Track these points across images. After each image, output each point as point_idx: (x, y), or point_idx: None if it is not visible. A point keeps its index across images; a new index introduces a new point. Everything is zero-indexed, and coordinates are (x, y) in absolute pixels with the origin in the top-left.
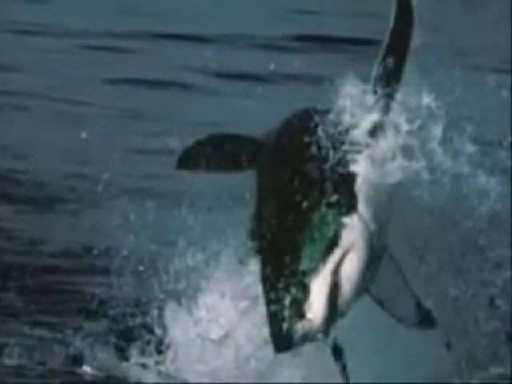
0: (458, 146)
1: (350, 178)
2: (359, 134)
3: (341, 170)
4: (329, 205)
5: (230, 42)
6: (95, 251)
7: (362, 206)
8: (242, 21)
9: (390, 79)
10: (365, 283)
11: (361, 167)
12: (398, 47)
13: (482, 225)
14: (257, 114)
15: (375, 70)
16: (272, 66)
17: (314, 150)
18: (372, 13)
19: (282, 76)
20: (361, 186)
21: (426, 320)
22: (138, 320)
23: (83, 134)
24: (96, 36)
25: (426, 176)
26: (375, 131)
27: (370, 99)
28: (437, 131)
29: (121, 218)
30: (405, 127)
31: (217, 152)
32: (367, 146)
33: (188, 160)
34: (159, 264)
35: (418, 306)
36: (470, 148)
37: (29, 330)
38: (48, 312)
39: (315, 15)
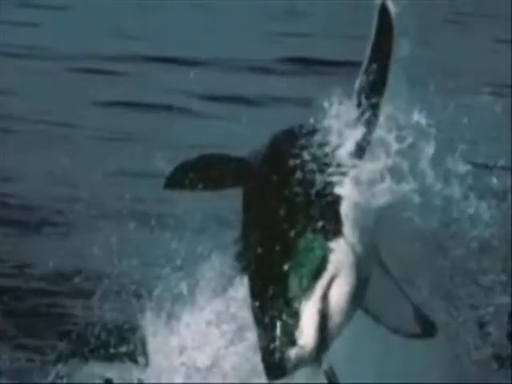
0: (450, 167)
1: (336, 202)
2: (344, 152)
3: (326, 192)
4: (314, 229)
5: (218, 64)
6: (83, 274)
7: (347, 230)
8: (229, 44)
9: (373, 93)
10: (354, 306)
11: (346, 189)
12: (380, 61)
13: (473, 249)
14: (245, 137)
15: (357, 85)
16: (260, 89)
17: (299, 172)
18: (360, 36)
19: (270, 98)
20: (346, 209)
21: (426, 328)
22: (122, 347)
23: (71, 157)
24: (85, 59)
25: (415, 198)
26: (361, 149)
27: (354, 113)
28: (428, 151)
29: (109, 241)
30: (394, 146)
31: (204, 171)
32: (353, 166)
33: (176, 180)
34: (144, 289)
35: (418, 315)
36: (462, 169)
37: (16, 352)
38: (36, 335)
39: (303, 38)
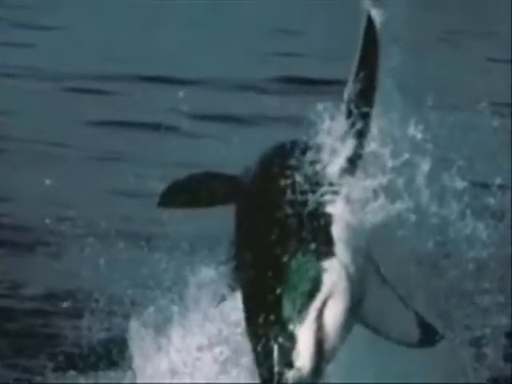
0: (446, 184)
1: (327, 222)
2: (335, 169)
3: (318, 212)
4: (306, 251)
5: (209, 83)
6: (75, 295)
7: (340, 249)
8: (221, 63)
9: (363, 103)
10: (349, 326)
11: (338, 208)
12: (367, 71)
13: (469, 270)
14: (236, 156)
15: (346, 96)
16: (251, 108)
17: (289, 192)
18: (352, 55)
19: (262, 117)
20: (338, 229)
21: (430, 336)
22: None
23: (64, 177)
24: (77, 79)
25: (411, 217)
26: (352, 164)
27: (343, 126)
28: (423, 167)
29: (100, 261)
30: (389, 163)
31: (196, 189)
32: (344, 184)
33: (168, 198)
34: (135, 309)
35: (421, 323)
36: (459, 186)
37: (8, 372)
38: (28, 355)
39: (295, 57)
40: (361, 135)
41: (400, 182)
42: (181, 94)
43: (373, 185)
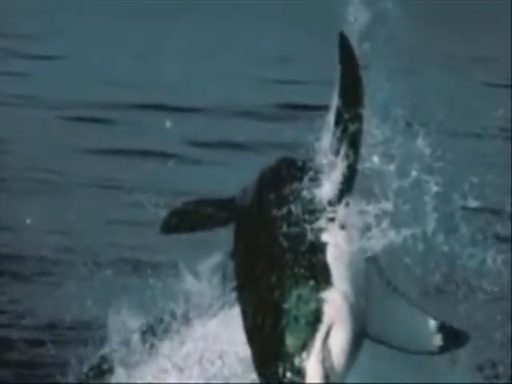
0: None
1: (323, 250)
2: (326, 193)
3: (313, 242)
4: (304, 283)
5: (209, 111)
6: (78, 324)
7: (338, 277)
8: (221, 91)
9: (350, 119)
10: (355, 352)
11: (333, 235)
12: (351, 99)
13: (479, 301)
14: (236, 182)
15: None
16: (251, 134)
17: (284, 223)
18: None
19: (262, 144)
20: (335, 256)
21: (456, 339)
22: None
23: (63, 206)
24: (76, 107)
25: (416, 244)
26: (344, 187)
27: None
28: (427, 193)
29: (103, 289)
30: (391, 185)
31: (196, 213)
32: (338, 209)
33: (170, 224)
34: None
35: (442, 328)
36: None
37: None
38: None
39: (293, 84)
40: (350, 156)
41: (404, 207)
42: (168, 123)
43: (373, 210)
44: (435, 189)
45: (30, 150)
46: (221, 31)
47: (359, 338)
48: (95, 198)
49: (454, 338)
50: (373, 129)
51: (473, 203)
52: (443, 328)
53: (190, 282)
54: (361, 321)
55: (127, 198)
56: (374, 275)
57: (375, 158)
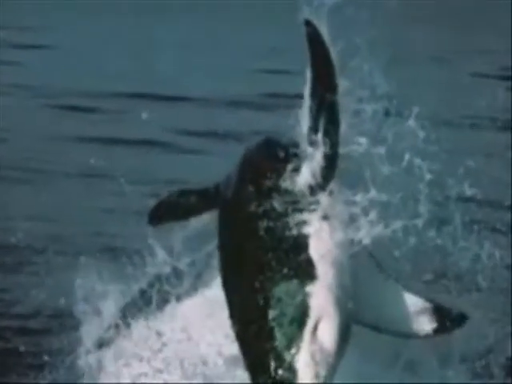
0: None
1: (306, 243)
2: (304, 181)
3: (294, 235)
4: (288, 277)
5: (199, 100)
6: (64, 312)
7: (323, 270)
8: (212, 81)
9: (325, 104)
10: (344, 342)
11: (315, 227)
12: (324, 84)
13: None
14: (226, 171)
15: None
16: (241, 124)
17: (265, 218)
18: (339, 71)
19: (253, 133)
20: (319, 248)
21: (452, 320)
22: None
23: (51, 194)
24: (66, 96)
25: (407, 235)
26: (324, 176)
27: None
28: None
29: (90, 278)
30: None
31: (181, 202)
32: (320, 198)
33: (157, 215)
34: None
35: (438, 310)
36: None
37: None
38: (18, 373)
39: (286, 74)
40: (329, 141)
41: (394, 196)
42: (144, 115)
43: (359, 199)
44: (428, 176)
45: (19, 138)
46: (210, 23)
47: (347, 329)
48: (82, 187)
49: (450, 319)
50: (362, 114)
51: (468, 192)
52: (439, 310)
53: (170, 269)
54: (348, 312)
55: (115, 186)
56: (363, 260)
57: (362, 140)
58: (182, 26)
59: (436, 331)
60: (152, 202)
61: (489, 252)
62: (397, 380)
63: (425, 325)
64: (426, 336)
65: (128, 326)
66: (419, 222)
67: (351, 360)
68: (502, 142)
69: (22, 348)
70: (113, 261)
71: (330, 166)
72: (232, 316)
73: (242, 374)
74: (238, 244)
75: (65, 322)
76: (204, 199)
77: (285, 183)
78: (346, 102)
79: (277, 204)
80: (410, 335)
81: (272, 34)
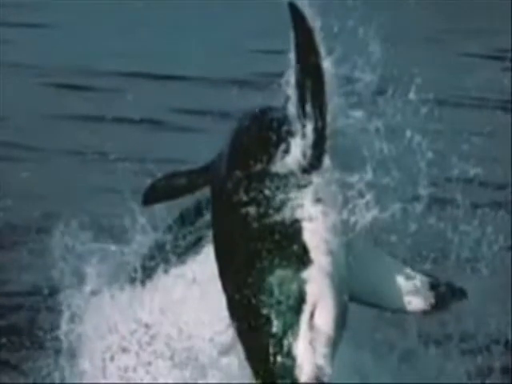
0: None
1: (299, 229)
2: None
3: (286, 220)
4: (283, 264)
5: (195, 79)
6: (61, 289)
7: (317, 254)
8: (207, 60)
9: (312, 86)
10: (342, 326)
11: (310, 211)
12: (308, 56)
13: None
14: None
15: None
16: (237, 102)
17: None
18: (331, 51)
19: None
20: (311, 233)
21: (451, 295)
22: None
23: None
24: (60, 74)
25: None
26: (315, 156)
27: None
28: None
29: (87, 256)
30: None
31: (172, 184)
32: (311, 178)
33: (150, 195)
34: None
35: (436, 284)
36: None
37: None
38: (13, 350)
39: (282, 54)
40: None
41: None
42: (169, 89)
43: (354, 180)
44: (429, 155)
45: (12, 116)
46: (204, 2)
47: (344, 314)
48: (78, 165)
49: (449, 294)
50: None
51: (471, 172)
52: (437, 285)
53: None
54: (344, 296)
55: (111, 165)
56: (358, 237)
57: (358, 114)
58: (176, 4)
59: (435, 307)
60: (146, 180)
61: (492, 235)
62: (393, 371)
63: (423, 300)
64: (425, 312)
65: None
66: (419, 206)
67: (344, 350)
68: (502, 122)
69: (16, 326)
70: (108, 239)
71: (320, 140)
72: (229, 306)
73: (234, 362)
74: (230, 231)
75: (60, 300)
76: (196, 180)
77: (276, 165)
78: (340, 70)
79: (268, 187)
80: (408, 311)
81: (267, 14)
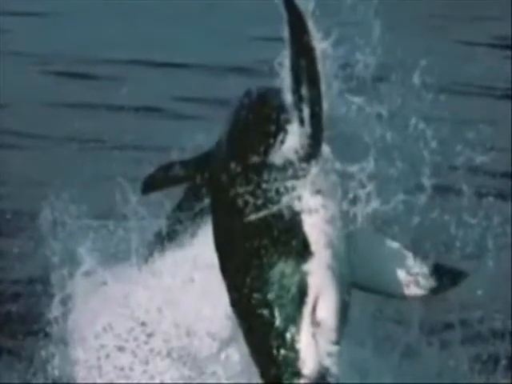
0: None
1: (299, 221)
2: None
3: (286, 211)
4: (284, 257)
5: (198, 67)
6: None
7: (317, 246)
8: (210, 48)
9: (307, 78)
10: (344, 317)
11: (306, 202)
12: (304, 51)
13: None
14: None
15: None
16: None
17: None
18: (332, 38)
19: None
20: (311, 225)
21: (451, 278)
22: None
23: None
24: (60, 62)
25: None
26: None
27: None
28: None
29: (85, 243)
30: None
31: (171, 172)
32: (309, 167)
33: (150, 184)
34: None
35: (437, 268)
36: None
37: None
38: (11, 337)
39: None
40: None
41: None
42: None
43: (355, 171)
44: (433, 143)
45: (13, 104)
46: None
47: (346, 305)
48: (78, 153)
49: (449, 277)
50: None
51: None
52: (438, 268)
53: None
54: (346, 287)
55: (111, 153)
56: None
57: (358, 99)
58: None
59: (435, 290)
60: (146, 168)
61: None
62: (394, 367)
63: (426, 285)
64: (426, 296)
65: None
66: (422, 197)
67: (343, 346)
68: (503, 111)
69: (14, 313)
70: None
71: (316, 127)
72: (231, 300)
73: (234, 356)
74: (229, 226)
75: (58, 288)
76: (194, 170)
77: (274, 155)
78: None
79: (266, 178)
80: (411, 297)
81: (268, 1)
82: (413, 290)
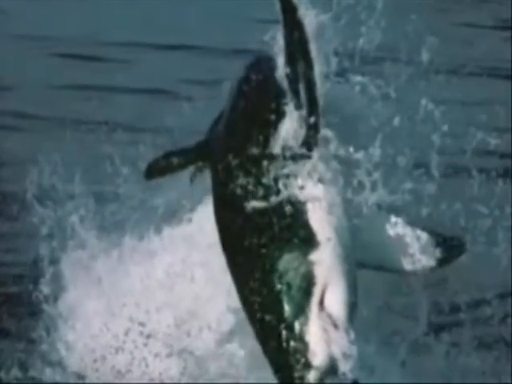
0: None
1: (304, 211)
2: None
3: (289, 203)
4: (290, 248)
5: (201, 49)
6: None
7: (322, 236)
8: (213, 29)
9: (302, 67)
10: (353, 304)
11: (309, 191)
12: (297, 40)
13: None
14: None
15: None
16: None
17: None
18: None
19: None
20: (315, 215)
21: (454, 249)
22: None
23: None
24: (64, 45)
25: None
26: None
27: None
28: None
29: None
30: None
31: (173, 159)
32: (309, 153)
33: (153, 170)
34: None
35: (439, 240)
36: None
37: None
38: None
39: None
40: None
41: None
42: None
43: (360, 158)
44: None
45: (16, 87)
46: None
47: (355, 295)
48: (84, 135)
49: (451, 248)
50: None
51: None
52: (440, 240)
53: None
54: (353, 275)
55: (117, 135)
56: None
57: (360, 78)
58: None
59: (441, 262)
60: (149, 150)
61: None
62: (399, 363)
63: (430, 257)
64: (432, 269)
65: None
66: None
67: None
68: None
69: (16, 295)
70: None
71: (313, 110)
72: (239, 292)
73: (234, 351)
74: (233, 217)
75: (59, 270)
76: (195, 157)
77: (274, 143)
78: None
79: (267, 167)
80: (415, 271)
81: None
82: (418, 264)
